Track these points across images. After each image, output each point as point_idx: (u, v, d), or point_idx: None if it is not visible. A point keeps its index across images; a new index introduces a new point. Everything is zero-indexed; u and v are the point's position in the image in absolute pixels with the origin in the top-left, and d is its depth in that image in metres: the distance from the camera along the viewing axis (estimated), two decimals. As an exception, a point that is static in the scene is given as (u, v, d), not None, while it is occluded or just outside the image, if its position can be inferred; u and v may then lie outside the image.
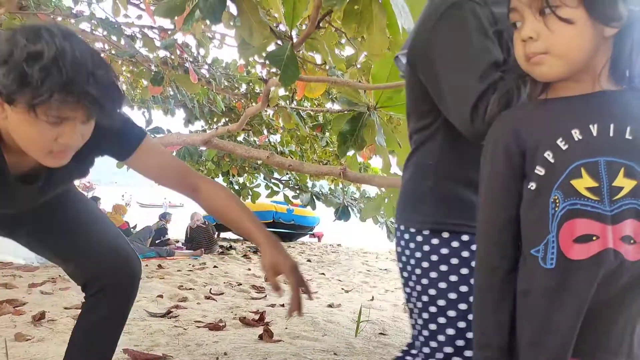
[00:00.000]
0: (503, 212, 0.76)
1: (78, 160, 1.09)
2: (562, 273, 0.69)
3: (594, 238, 0.68)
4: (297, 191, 5.97)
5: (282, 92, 4.66)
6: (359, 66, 2.47)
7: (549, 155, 0.71)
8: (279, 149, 6.00)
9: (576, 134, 0.71)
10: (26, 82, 0.87)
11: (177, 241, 8.09)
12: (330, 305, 3.63)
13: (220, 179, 6.78)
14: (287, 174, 6.00)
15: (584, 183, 0.69)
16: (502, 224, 0.76)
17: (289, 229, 12.02)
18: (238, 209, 1.24)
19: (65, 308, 2.87)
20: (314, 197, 5.61)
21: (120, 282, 1.37)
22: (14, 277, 3.85)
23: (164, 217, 8.44)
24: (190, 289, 3.95)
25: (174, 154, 5.48)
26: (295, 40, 1.47)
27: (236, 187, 6.69)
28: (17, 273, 4.07)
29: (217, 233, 8.99)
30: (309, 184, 5.79)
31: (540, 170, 0.72)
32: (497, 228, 0.76)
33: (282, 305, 3.40)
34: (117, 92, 0.99)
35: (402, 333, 2.91)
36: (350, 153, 4.42)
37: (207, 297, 3.62)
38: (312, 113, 5.30)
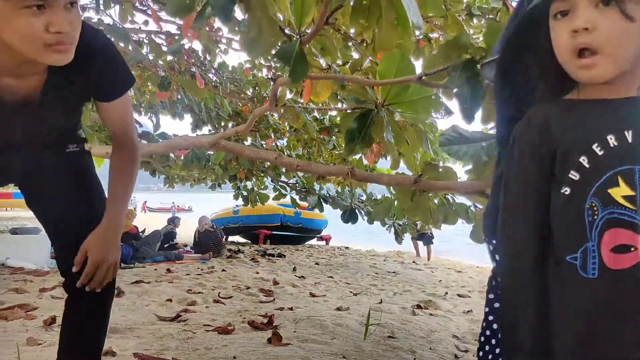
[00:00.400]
0: (533, 214, 0.74)
1: (73, 86, 1.11)
2: (605, 283, 0.69)
3: (632, 249, 0.67)
4: (304, 194, 5.97)
5: (288, 95, 4.66)
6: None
7: (584, 160, 0.70)
8: (286, 153, 6.00)
9: (612, 139, 0.69)
10: None
11: (186, 245, 8.11)
12: (338, 309, 3.61)
13: (228, 184, 6.80)
14: (294, 176, 6.00)
15: (621, 191, 0.68)
16: (532, 225, 0.74)
17: (297, 232, 12.03)
18: (118, 184, 1.28)
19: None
20: (321, 199, 5.61)
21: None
22: (25, 282, 3.87)
23: (173, 221, 8.47)
24: (199, 292, 3.95)
25: (182, 158, 5.50)
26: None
27: (244, 193, 6.71)
28: (28, 278, 4.09)
29: (225, 237, 9.01)
30: (316, 186, 5.78)
31: (574, 175, 0.70)
32: (526, 230, 0.74)
33: (291, 309, 3.38)
34: None
35: (411, 336, 2.88)
36: (357, 156, 4.42)
37: (216, 301, 3.61)
38: (318, 116, 5.30)
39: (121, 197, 1.30)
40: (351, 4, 1.41)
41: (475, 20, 3.70)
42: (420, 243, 10.69)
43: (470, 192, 2.50)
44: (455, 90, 1.27)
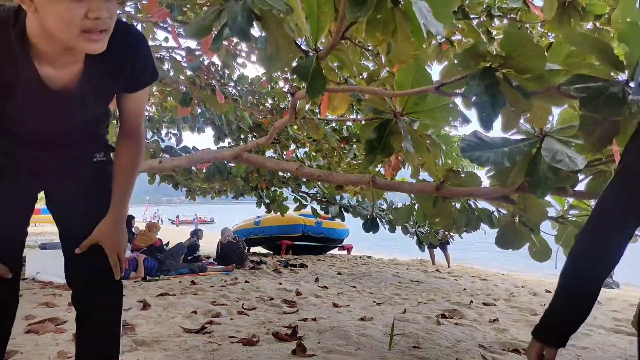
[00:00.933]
0: None
1: (108, 75, 1.15)
2: None
3: None
4: (325, 204, 5.98)
5: (307, 106, 4.70)
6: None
7: None
8: (306, 163, 6.04)
9: None
10: None
11: (209, 257, 8.18)
12: (362, 319, 3.59)
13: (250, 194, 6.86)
14: (314, 187, 6.02)
15: None
16: None
17: (319, 242, 12.02)
18: (125, 171, 1.33)
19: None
20: (342, 209, 5.61)
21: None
22: (54, 296, 3.97)
23: (196, 233, 8.57)
24: (223, 304, 3.98)
25: (204, 171, 5.59)
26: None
27: (266, 201, 6.76)
28: (57, 292, 4.18)
29: (247, 248, 9.06)
30: (337, 196, 5.79)
31: None
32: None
33: (314, 320, 3.38)
34: None
35: (437, 346, 2.84)
36: (378, 168, 4.40)
37: (240, 312, 3.63)
38: (336, 127, 5.32)
39: (128, 183, 1.34)
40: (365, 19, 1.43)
41: (496, 21, 3.67)
42: (436, 250, 10.58)
43: (493, 198, 2.48)
44: (473, 98, 1.27)
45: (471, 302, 5.00)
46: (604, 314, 4.90)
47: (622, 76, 1.34)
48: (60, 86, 1.15)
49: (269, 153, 6.14)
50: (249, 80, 5.18)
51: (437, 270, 9.33)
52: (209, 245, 9.53)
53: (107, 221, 1.30)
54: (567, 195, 2.04)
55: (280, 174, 5.96)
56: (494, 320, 3.94)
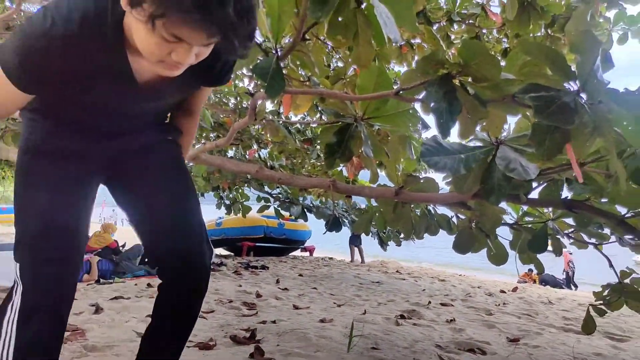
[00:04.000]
0: None
1: (193, 75, 1.11)
2: None
3: None
4: (288, 204, 5.95)
5: (270, 106, 4.66)
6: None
7: None
8: (268, 163, 5.99)
9: None
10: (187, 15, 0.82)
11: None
12: (322, 320, 3.59)
13: (210, 195, 6.74)
14: (277, 187, 5.98)
15: None
16: None
17: (281, 244, 11.97)
18: (187, 141, 1.48)
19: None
20: (304, 209, 5.60)
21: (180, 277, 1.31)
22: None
23: (154, 234, 8.35)
24: (181, 307, 3.89)
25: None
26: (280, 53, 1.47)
27: (227, 202, 6.66)
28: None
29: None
30: (300, 197, 5.77)
31: None
32: None
33: (274, 322, 3.35)
34: (254, 22, 0.91)
35: (395, 347, 2.87)
36: (340, 168, 4.43)
37: (198, 315, 3.55)
38: (300, 127, 5.30)
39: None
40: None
41: (455, 26, 3.77)
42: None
43: (451, 204, 2.53)
44: (432, 105, 1.29)
45: (429, 302, 5.09)
46: (555, 313, 5.10)
47: (574, 86, 1.39)
48: (146, 79, 1.12)
49: (231, 153, 6.06)
50: (211, 79, 5.09)
51: (397, 271, 9.47)
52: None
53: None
54: (520, 202, 2.10)
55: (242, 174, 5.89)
56: (451, 320, 4.03)
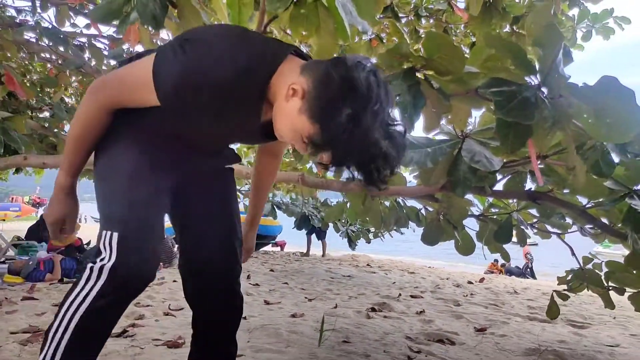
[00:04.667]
0: None
1: None
2: None
3: None
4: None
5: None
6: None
7: None
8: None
9: None
10: (343, 158, 0.98)
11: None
12: (293, 315, 3.58)
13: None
14: (246, 184, 5.92)
15: None
16: None
17: (252, 239, 11.85)
18: (267, 184, 1.65)
19: (12, 333, 2.70)
20: (274, 206, 5.57)
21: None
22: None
23: (121, 231, 8.15)
24: (148, 305, 3.81)
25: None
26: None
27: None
28: (-42, 298, 3.81)
29: (175, 245, 8.75)
30: (269, 194, 5.73)
31: None
32: None
33: (245, 318, 3.32)
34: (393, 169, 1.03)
35: (366, 340, 2.89)
36: (309, 165, 4.41)
37: (166, 314, 3.49)
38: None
39: (266, 198, 1.65)
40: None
41: (423, 21, 3.82)
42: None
43: (420, 196, 2.55)
44: (396, 98, 1.29)
45: (400, 295, 5.15)
46: (520, 302, 5.25)
47: (535, 80, 1.41)
48: (265, 121, 1.20)
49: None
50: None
51: (367, 264, 9.55)
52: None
53: (252, 229, 1.68)
54: (486, 194, 2.14)
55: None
56: (421, 312, 4.09)
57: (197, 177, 1.42)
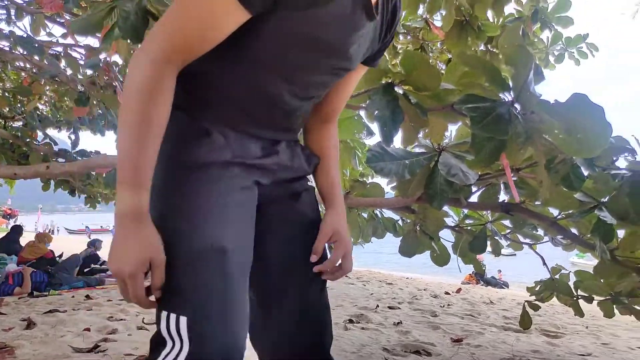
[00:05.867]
0: None
1: (375, 37, 0.98)
2: None
3: None
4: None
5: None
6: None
7: None
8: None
9: None
10: None
11: (108, 269, 7.64)
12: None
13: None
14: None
15: None
16: None
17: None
18: (335, 162, 1.14)
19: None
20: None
21: None
22: None
23: (94, 244, 7.99)
24: (121, 319, 3.73)
25: (104, 175, 5.22)
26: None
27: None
28: None
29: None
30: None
31: None
32: None
33: (221, 331, 3.28)
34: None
35: (343, 352, 2.89)
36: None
37: (140, 328, 3.43)
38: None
39: (338, 174, 1.14)
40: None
41: (401, 37, 3.89)
42: None
43: (397, 208, 2.58)
44: (375, 113, 1.31)
45: (377, 306, 5.17)
46: (496, 313, 5.32)
47: (509, 97, 1.46)
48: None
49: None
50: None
51: (345, 275, 9.54)
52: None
53: (339, 215, 1.08)
54: (461, 206, 2.19)
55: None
56: (398, 323, 4.11)
57: (278, 195, 1.02)
